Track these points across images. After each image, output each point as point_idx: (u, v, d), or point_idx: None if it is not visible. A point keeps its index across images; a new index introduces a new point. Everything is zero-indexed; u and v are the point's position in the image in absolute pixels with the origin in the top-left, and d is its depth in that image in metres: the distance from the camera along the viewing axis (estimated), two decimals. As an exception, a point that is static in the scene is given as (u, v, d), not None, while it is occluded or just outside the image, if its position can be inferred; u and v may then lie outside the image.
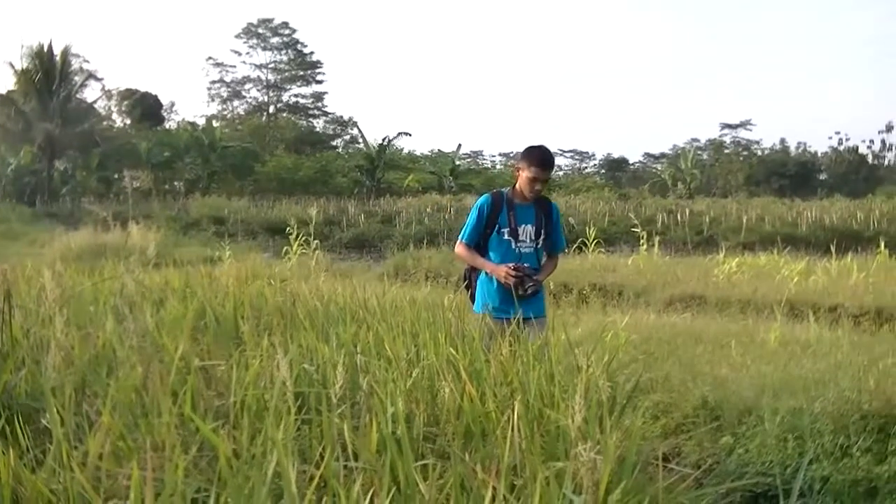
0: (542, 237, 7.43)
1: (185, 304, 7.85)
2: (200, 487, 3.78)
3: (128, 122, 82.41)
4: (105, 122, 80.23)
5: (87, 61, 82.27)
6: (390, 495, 3.35)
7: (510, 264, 7.10)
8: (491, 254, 7.36)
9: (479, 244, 7.45)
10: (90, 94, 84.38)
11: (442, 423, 4.53)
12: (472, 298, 7.65)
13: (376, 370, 5.21)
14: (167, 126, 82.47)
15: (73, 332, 6.05)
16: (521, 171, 7.23)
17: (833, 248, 20.53)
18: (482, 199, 7.39)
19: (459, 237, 7.50)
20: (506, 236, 7.30)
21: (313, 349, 5.84)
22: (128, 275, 9.10)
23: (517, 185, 7.33)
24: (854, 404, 7.05)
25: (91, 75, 71.54)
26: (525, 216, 7.34)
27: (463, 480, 3.63)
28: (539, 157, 7.17)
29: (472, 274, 7.65)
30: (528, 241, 7.33)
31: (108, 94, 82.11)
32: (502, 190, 7.47)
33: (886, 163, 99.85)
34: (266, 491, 3.33)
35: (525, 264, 7.16)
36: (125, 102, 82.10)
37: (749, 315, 13.66)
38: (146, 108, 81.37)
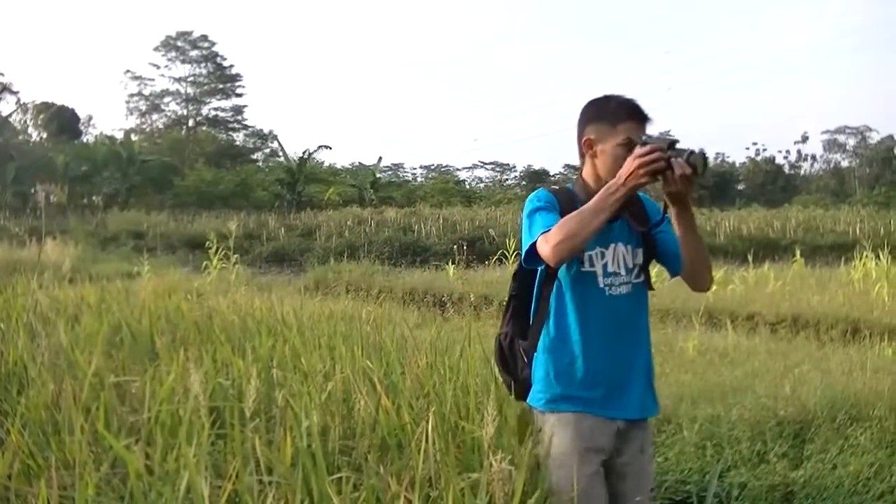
0: (642, 265, 3.99)
1: (100, 319, 7.76)
2: (113, 505, 3.74)
3: (44, 135, 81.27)
4: (21, 136, 79.16)
5: (2, 74, 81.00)
6: (303, 509, 3.34)
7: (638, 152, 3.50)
8: (569, 303, 3.90)
9: (530, 279, 4.07)
10: (5, 107, 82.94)
11: (357, 436, 4.51)
12: (519, 383, 4.07)
13: (292, 384, 5.19)
14: (85, 140, 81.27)
15: (-17, 350, 5.98)
16: (598, 145, 3.84)
17: (750, 257, 20.80)
18: (540, 192, 3.99)
19: (536, 239, 3.64)
20: (586, 267, 3.86)
21: (229, 363, 5.80)
22: (41, 291, 9.01)
23: (588, 173, 3.93)
24: (770, 411, 7.14)
25: (6, 88, 70.84)
26: (613, 227, 3.89)
27: (378, 493, 3.63)
28: (631, 105, 3.81)
29: (511, 341, 4.12)
30: (622, 273, 3.91)
31: (23, 108, 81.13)
32: (567, 186, 4.09)
33: (802, 172, 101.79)
34: (179, 507, 3.30)
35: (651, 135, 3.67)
36: (41, 116, 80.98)
37: (668, 324, 13.74)
38: (63, 121, 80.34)
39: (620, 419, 3.83)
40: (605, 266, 3.86)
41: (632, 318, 3.94)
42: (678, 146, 3.50)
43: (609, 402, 3.80)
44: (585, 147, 3.86)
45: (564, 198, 3.87)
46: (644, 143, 3.53)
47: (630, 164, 3.46)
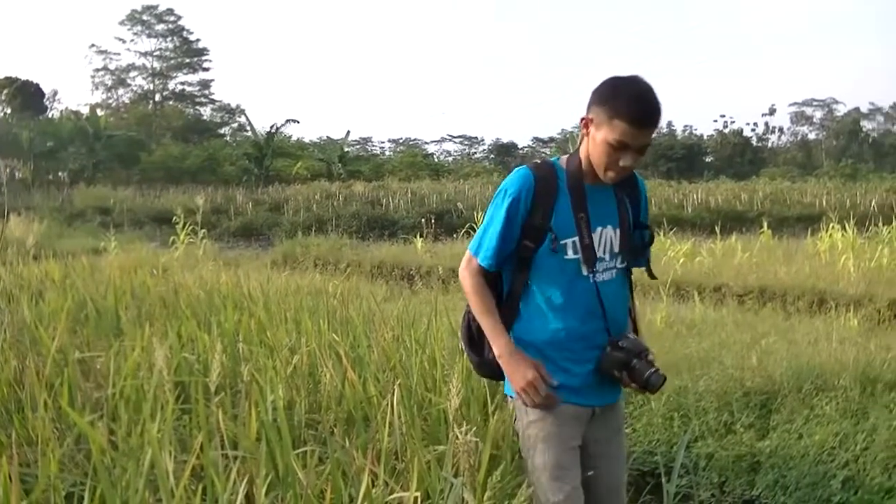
0: (628, 248, 3.72)
1: (64, 295, 7.72)
2: (77, 481, 3.72)
3: (8, 111, 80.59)
4: (-17, 112, 78.61)
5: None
6: (267, 483, 3.32)
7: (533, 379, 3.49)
8: (548, 290, 3.62)
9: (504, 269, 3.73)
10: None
11: (323, 410, 4.50)
12: (485, 363, 3.74)
13: (258, 358, 5.18)
14: (50, 115, 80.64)
15: (-56, 327, 5.95)
16: (592, 128, 3.50)
17: (718, 229, 20.89)
18: (517, 176, 3.64)
19: (470, 247, 3.75)
20: (570, 253, 3.56)
21: (194, 338, 5.78)
22: (4, 267, 8.93)
23: (584, 150, 3.59)
24: (737, 382, 7.17)
25: (-31, 64, 69.91)
26: (603, 210, 3.65)
27: (343, 467, 3.62)
28: (636, 106, 3.39)
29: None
30: (606, 258, 3.65)
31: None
32: (553, 160, 3.71)
33: (770, 145, 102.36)
34: (143, 482, 3.28)
35: (629, 336, 3.68)
36: (5, 91, 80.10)
37: (636, 296, 13.74)
38: (27, 96, 79.58)
39: (596, 405, 3.66)
40: (593, 253, 3.59)
41: (614, 305, 3.66)
42: (649, 357, 3.51)
43: (587, 390, 3.61)
44: (582, 124, 3.57)
45: (543, 181, 3.58)
46: (616, 344, 3.54)
47: (523, 374, 3.48)
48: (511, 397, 3.67)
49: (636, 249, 3.77)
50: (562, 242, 3.53)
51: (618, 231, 3.65)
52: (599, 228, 3.60)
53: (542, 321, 3.60)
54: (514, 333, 3.63)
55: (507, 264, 3.66)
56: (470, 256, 3.69)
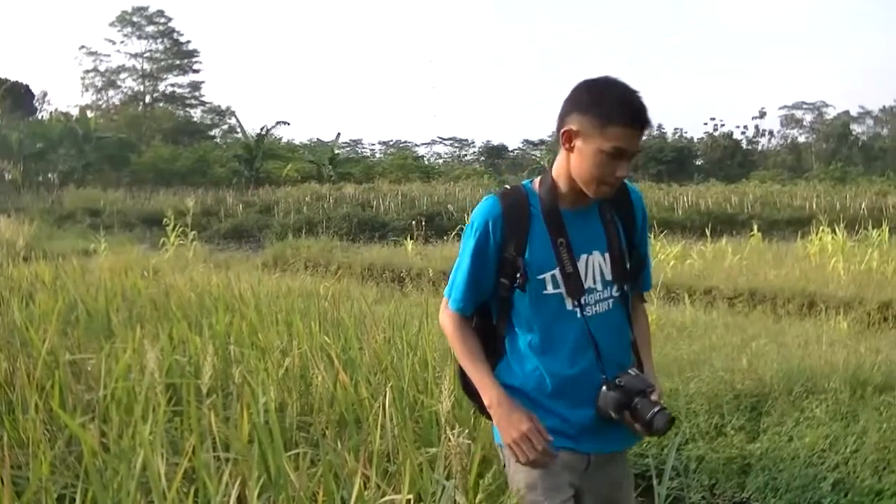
0: (624, 273, 3.28)
1: (55, 297, 7.71)
2: (68, 483, 3.71)
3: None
4: (-28, 114, 78.40)
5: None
6: (259, 485, 3.32)
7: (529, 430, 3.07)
8: (521, 339, 3.24)
9: (487, 308, 3.33)
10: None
11: (315, 412, 4.50)
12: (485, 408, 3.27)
13: (249, 360, 5.18)
14: (39, 117, 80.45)
15: (-66, 329, 5.95)
16: (579, 141, 3.05)
17: (708, 232, 20.90)
18: (483, 208, 3.23)
19: (446, 292, 3.35)
20: (549, 288, 3.16)
21: (186, 340, 5.78)
22: (-6, 268, 8.91)
23: (559, 170, 3.17)
24: (728, 384, 7.17)
25: (-42, 65, 69.71)
26: (586, 235, 3.22)
27: (335, 469, 3.62)
28: (628, 107, 3.01)
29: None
30: (598, 287, 3.21)
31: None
32: (524, 184, 3.32)
33: (760, 148, 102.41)
34: (135, 485, 3.27)
35: (629, 373, 3.19)
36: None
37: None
38: (17, 97, 79.17)
39: (592, 452, 3.21)
40: (580, 286, 3.16)
41: (609, 341, 3.21)
42: (652, 396, 3.09)
43: (584, 437, 3.18)
44: (564, 138, 3.08)
45: (513, 208, 3.17)
46: (612, 384, 3.11)
47: (516, 426, 3.06)
48: (500, 446, 3.26)
49: (634, 274, 3.34)
50: (539, 277, 3.14)
51: (607, 256, 3.23)
52: (584, 256, 3.18)
53: (528, 365, 3.20)
54: (499, 377, 3.22)
55: (492, 301, 3.27)
56: (445, 301, 3.32)
